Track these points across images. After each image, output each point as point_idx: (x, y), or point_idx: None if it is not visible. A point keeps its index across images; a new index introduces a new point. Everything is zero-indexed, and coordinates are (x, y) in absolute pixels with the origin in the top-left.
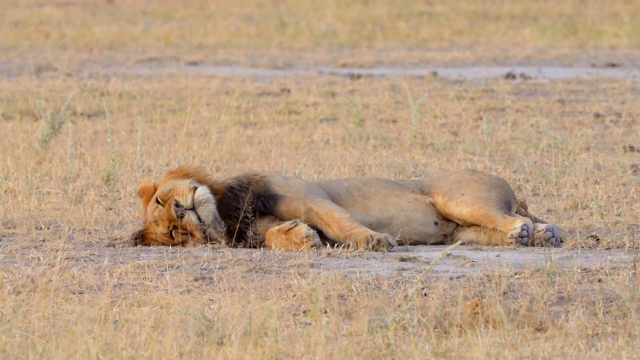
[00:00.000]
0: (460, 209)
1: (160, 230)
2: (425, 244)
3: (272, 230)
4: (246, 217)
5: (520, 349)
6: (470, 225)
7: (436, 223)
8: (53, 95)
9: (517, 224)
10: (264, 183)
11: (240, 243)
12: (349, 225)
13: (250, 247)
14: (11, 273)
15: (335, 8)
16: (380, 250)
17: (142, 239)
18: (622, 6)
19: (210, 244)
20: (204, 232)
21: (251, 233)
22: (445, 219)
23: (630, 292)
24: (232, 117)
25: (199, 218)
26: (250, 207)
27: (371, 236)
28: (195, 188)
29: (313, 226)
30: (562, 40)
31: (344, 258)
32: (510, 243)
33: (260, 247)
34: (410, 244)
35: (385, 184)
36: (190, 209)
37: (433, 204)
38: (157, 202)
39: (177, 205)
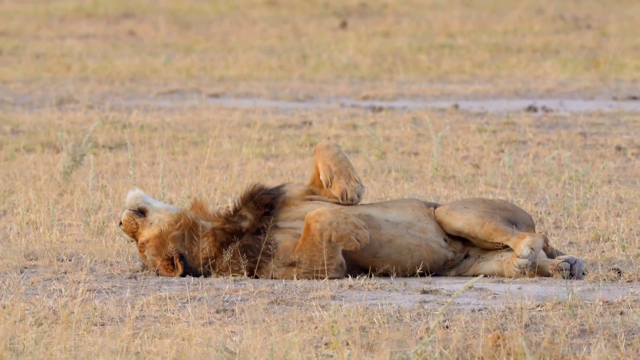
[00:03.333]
0: (464, 216)
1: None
2: (439, 264)
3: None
4: (259, 232)
5: None
6: (467, 239)
7: (445, 240)
8: (74, 127)
9: (522, 248)
10: (259, 186)
11: (262, 275)
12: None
13: (271, 278)
14: (33, 305)
15: (356, 41)
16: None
17: None
18: None
19: (232, 275)
20: (141, 215)
21: (273, 265)
22: (451, 236)
23: None
24: (253, 150)
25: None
26: (258, 215)
27: (346, 191)
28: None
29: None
30: (583, 73)
31: (366, 290)
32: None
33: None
34: (431, 271)
35: (404, 201)
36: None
37: (431, 215)
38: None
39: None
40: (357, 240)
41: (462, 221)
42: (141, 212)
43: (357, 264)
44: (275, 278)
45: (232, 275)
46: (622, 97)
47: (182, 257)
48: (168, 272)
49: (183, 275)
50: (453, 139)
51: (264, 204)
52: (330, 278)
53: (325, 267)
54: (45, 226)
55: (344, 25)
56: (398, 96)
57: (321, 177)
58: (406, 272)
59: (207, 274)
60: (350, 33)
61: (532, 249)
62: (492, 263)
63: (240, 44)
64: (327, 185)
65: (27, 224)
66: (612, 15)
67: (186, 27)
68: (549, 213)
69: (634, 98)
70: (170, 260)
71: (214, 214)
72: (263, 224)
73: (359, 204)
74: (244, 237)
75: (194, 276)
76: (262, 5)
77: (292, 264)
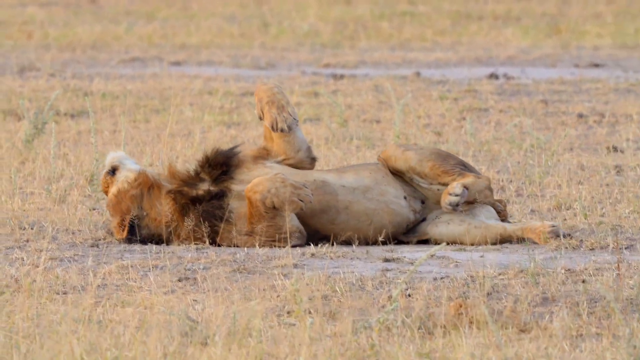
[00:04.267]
0: (417, 156)
1: None
2: (402, 227)
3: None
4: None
5: (504, 350)
6: (424, 200)
7: (405, 197)
8: (36, 95)
9: (455, 185)
10: (215, 149)
11: (224, 242)
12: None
13: (234, 246)
14: None
15: (317, 8)
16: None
17: None
18: (605, 6)
19: (195, 244)
20: (112, 173)
21: (234, 233)
22: (413, 194)
23: (614, 293)
24: (215, 117)
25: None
26: (214, 175)
27: (276, 120)
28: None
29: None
30: (545, 41)
31: (328, 258)
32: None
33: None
34: (393, 236)
35: (360, 165)
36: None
37: (386, 160)
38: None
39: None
40: (300, 200)
41: (414, 160)
42: (113, 171)
43: (318, 232)
44: (237, 246)
45: (195, 244)
46: (583, 64)
47: (132, 221)
48: (117, 233)
49: (129, 241)
50: (415, 106)
51: (219, 164)
52: (292, 246)
53: (284, 235)
54: (7, 194)
55: None
56: (359, 64)
57: (255, 111)
58: (369, 240)
59: (168, 240)
60: (311, 0)
61: (465, 187)
62: (450, 224)
63: (201, 12)
64: (260, 118)
65: None
66: None
67: None
68: (511, 181)
69: (596, 65)
70: (123, 221)
71: (176, 177)
72: (220, 187)
73: (314, 169)
74: (203, 203)
75: (142, 243)
76: None
77: (251, 233)
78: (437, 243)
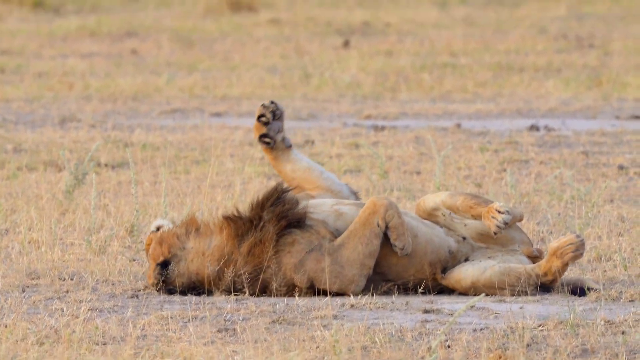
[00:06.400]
0: (445, 194)
1: None
2: (445, 251)
3: None
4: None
5: None
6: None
7: (440, 227)
8: (77, 146)
9: (498, 204)
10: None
11: (265, 294)
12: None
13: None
14: (35, 324)
15: (358, 59)
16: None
17: None
18: None
19: (234, 295)
20: (156, 230)
21: (275, 284)
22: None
23: None
24: (256, 169)
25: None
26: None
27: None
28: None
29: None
30: (586, 92)
31: (368, 309)
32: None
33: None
34: (436, 259)
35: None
36: None
37: (418, 206)
38: None
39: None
40: (404, 240)
41: (445, 194)
42: (157, 229)
43: (380, 267)
44: (297, 267)
45: (234, 295)
46: (624, 116)
47: (165, 264)
48: (149, 278)
49: (164, 285)
50: (455, 158)
51: (275, 197)
52: (354, 290)
53: (357, 272)
54: (47, 245)
55: (346, 44)
56: (401, 115)
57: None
58: (416, 261)
59: (210, 283)
60: (352, 52)
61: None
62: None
63: (243, 63)
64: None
65: (29, 242)
66: (615, 34)
67: (189, 45)
68: (551, 232)
69: (637, 117)
70: (159, 265)
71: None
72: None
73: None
74: (276, 206)
75: (182, 293)
76: (265, 24)
77: (332, 252)
78: (460, 284)
